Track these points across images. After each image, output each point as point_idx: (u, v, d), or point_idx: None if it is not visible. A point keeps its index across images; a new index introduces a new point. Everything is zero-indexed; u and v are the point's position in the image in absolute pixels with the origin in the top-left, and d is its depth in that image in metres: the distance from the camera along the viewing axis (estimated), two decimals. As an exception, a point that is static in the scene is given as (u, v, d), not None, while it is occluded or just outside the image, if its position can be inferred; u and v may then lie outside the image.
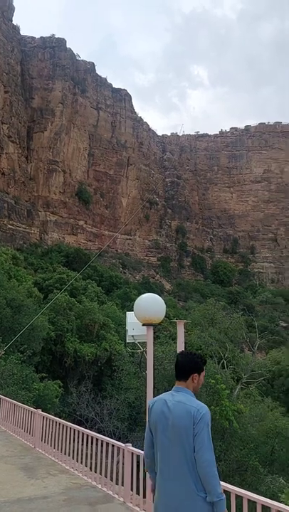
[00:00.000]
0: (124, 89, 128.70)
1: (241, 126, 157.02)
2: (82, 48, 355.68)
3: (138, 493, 7.90)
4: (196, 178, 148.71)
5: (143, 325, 7.34)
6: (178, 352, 4.80)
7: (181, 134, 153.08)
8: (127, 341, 8.49)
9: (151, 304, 7.23)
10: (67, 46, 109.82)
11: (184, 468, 3.85)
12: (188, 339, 39.20)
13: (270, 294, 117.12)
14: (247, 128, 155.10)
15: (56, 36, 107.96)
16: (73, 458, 10.23)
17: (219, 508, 3.80)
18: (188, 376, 4.21)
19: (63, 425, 10.65)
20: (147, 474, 5.64)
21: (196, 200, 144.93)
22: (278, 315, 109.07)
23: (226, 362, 33.61)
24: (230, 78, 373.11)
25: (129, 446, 8.34)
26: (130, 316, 8.01)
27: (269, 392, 44.80)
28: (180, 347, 6.91)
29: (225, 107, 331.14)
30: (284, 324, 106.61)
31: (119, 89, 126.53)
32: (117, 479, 8.66)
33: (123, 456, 8.40)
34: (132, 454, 8.20)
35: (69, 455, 10.34)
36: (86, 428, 11.84)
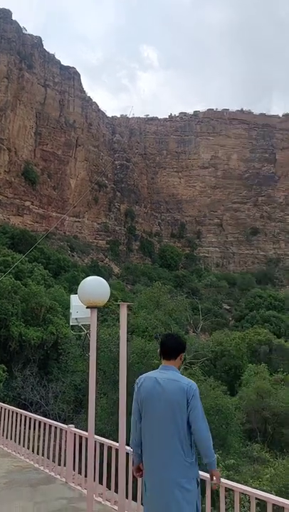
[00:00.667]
0: (73, 67, 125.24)
1: (190, 111, 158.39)
2: (28, 21, 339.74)
3: (80, 472, 8.01)
4: (146, 161, 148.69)
5: (87, 307, 7.34)
6: (164, 334, 5.35)
7: (130, 117, 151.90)
8: (71, 324, 8.47)
9: (95, 287, 7.22)
10: (13, 18, 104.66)
11: (174, 438, 4.34)
12: (135, 321, 39.71)
13: (214, 278, 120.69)
14: (195, 113, 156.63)
15: (0, 7, 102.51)
16: (16, 441, 10.16)
17: (213, 466, 4.51)
18: (176, 355, 4.70)
19: (5, 409, 10.51)
20: (90, 454, 5.72)
21: (145, 184, 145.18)
22: (222, 298, 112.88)
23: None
24: (181, 62, 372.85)
25: (72, 428, 8.40)
26: (74, 299, 7.97)
27: (212, 372, 46.43)
28: (123, 329, 6.99)
29: (174, 91, 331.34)
30: (227, 307, 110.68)
31: (67, 67, 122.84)
32: (60, 461, 8.72)
33: (66, 438, 8.46)
34: (75, 434, 8.27)
35: (11, 439, 10.25)
36: (31, 412, 11.75)
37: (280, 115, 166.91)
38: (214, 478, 4.60)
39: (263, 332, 67.54)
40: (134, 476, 6.82)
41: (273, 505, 4.91)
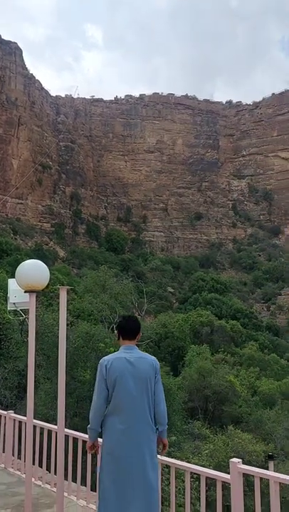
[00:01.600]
0: (15, 43, 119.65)
1: (136, 94, 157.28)
2: None
3: (20, 457, 7.94)
4: (91, 144, 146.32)
5: (25, 292, 7.16)
6: (122, 316, 5.45)
7: (76, 97, 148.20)
8: (9, 309, 8.25)
9: (33, 271, 7.04)
10: None
11: (146, 411, 4.76)
12: (80, 305, 39.49)
13: (159, 262, 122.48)
14: (141, 97, 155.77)
15: None
16: None
17: (165, 434, 5.01)
18: (136, 335, 5.12)
19: None
20: (28, 438, 5.67)
21: (90, 167, 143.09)
22: (166, 281, 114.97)
23: (116, 326, 34.62)
24: (127, 44, 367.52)
25: (11, 414, 8.28)
26: (12, 283, 7.75)
27: (156, 353, 47.45)
28: (62, 313, 6.91)
29: (120, 73, 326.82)
30: (171, 290, 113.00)
31: (8, 42, 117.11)
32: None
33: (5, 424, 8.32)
34: (14, 420, 8.16)
35: None
36: None
37: (224, 102, 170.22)
38: (165, 445, 5.07)
39: (205, 314, 69.80)
40: (73, 458, 6.86)
41: (207, 477, 5.17)
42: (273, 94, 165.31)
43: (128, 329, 5.13)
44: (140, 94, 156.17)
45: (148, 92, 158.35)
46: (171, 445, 18.45)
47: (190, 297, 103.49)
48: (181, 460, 7.05)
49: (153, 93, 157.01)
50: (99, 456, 5.43)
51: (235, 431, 25.12)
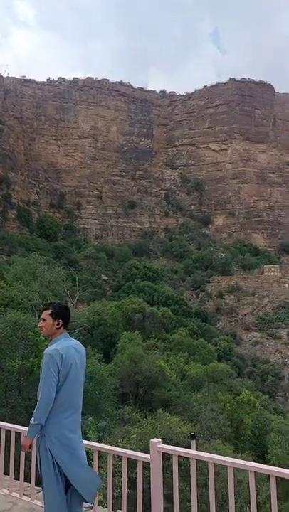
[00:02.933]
0: None
1: (69, 77, 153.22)
2: None
3: None
4: (22, 126, 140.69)
5: None
6: (61, 306, 5.31)
7: (5, 76, 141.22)
8: None
9: None
10: None
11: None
12: (9, 294, 38.25)
13: (93, 250, 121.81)
14: (75, 80, 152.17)
15: None
16: None
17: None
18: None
19: None
20: None
21: (21, 150, 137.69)
22: (100, 269, 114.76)
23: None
24: (61, 26, 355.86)
25: None
26: None
27: (89, 341, 47.45)
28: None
29: (54, 54, 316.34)
30: (105, 278, 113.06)
31: None
32: None
33: None
34: None
35: None
36: None
37: (158, 91, 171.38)
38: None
39: (137, 301, 70.85)
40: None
41: (128, 459, 5.36)
42: (205, 86, 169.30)
43: (69, 318, 5.19)
44: (74, 78, 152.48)
45: (81, 76, 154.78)
46: (102, 430, 18.71)
47: (123, 285, 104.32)
48: (111, 444, 7.22)
49: (87, 77, 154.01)
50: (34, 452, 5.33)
51: (164, 414, 25.93)
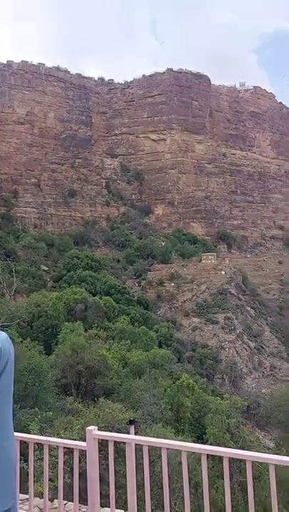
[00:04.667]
0: None
1: (3, 60, 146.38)
2: None
3: None
4: None
5: None
6: None
7: None
8: None
9: None
10: None
11: None
12: None
13: (32, 239, 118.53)
14: (9, 63, 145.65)
15: None
16: None
17: None
18: None
19: None
20: None
21: None
22: (40, 259, 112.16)
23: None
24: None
25: None
26: None
27: (28, 334, 46.53)
28: None
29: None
30: (45, 268, 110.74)
31: None
32: None
33: None
34: None
35: None
36: None
37: (96, 78, 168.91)
38: None
39: (79, 291, 70.42)
40: None
41: (64, 447, 5.46)
42: (144, 75, 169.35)
43: None
44: (8, 61, 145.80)
45: (16, 59, 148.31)
46: (44, 422, 18.58)
47: (65, 275, 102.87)
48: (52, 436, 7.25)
49: (22, 61, 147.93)
50: None
51: (106, 402, 26.21)
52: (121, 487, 5.58)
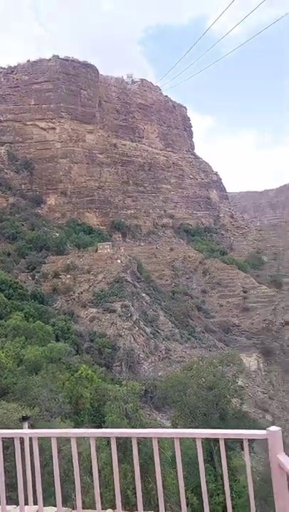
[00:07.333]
0: None
1: None
2: None
3: None
4: None
5: None
6: None
7: None
8: None
9: None
10: None
11: None
12: None
13: None
14: None
15: None
16: None
17: None
18: None
19: None
20: None
21: None
22: None
23: None
24: None
25: None
26: None
27: None
28: None
29: None
30: None
31: None
32: None
33: None
34: None
35: None
36: None
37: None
38: None
39: None
40: None
41: None
42: (28, 61, 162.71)
43: None
44: None
45: None
46: None
47: None
48: None
49: None
50: None
51: (1, 403, 25.29)
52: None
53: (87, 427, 29.83)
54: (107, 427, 28.74)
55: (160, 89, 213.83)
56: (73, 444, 5.10)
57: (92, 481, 5.14)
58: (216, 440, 4.87)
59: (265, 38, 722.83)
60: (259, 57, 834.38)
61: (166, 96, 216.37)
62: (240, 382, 41.97)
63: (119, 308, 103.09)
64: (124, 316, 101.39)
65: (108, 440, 5.45)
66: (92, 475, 5.27)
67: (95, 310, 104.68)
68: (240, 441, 5.02)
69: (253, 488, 4.93)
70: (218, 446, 4.67)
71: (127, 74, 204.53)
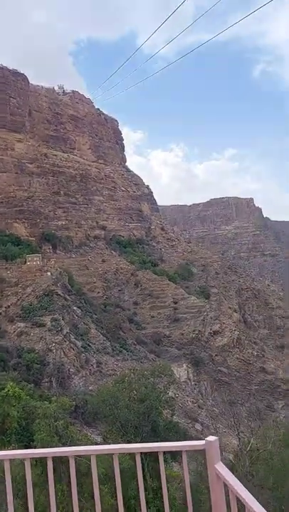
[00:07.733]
0: None
1: None
2: None
3: None
4: None
5: None
6: None
7: None
8: None
9: None
10: None
11: None
12: None
13: None
14: None
15: None
16: None
17: None
18: None
19: None
20: None
21: None
22: None
23: None
24: None
25: None
26: None
27: None
28: None
29: None
30: None
31: None
32: None
33: None
34: None
35: None
36: None
37: None
38: None
39: None
40: None
41: None
42: None
43: None
44: None
45: None
46: None
47: None
48: None
49: None
50: None
51: None
52: None
53: (14, 448, 28.41)
54: (35, 446, 27.58)
55: (92, 102, 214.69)
56: (6, 467, 4.76)
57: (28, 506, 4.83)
58: (147, 453, 4.83)
59: (195, 59, 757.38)
60: (188, 76, 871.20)
61: (98, 109, 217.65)
62: (170, 393, 42.46)
63: (49, 322, 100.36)
64: (54, 330, 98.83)
65: (37, 460, 5.17)
66: (26, 498, 4.95)
67: (23, 324, 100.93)
68: (175, 453, 5.02)
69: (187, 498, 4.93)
70: (149, 460, 4.62)
71: (58, 85, 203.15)
